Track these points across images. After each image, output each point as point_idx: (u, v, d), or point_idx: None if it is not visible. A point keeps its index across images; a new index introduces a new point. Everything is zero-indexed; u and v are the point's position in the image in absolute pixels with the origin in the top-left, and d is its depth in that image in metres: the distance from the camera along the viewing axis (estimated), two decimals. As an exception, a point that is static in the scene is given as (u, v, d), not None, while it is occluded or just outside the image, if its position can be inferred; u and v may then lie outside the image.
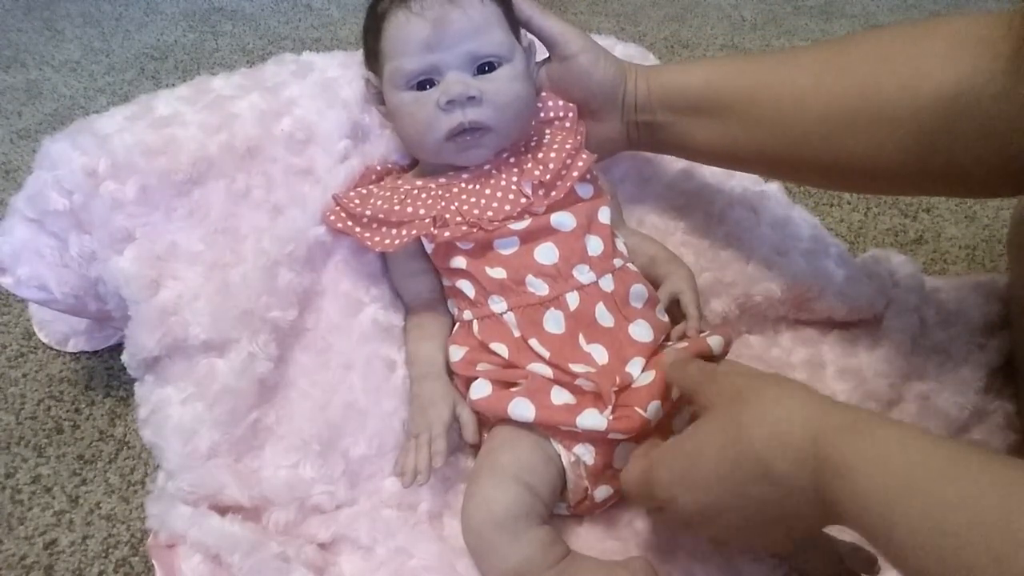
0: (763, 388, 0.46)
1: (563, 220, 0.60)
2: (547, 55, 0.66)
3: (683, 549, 0.55)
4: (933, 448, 0.37)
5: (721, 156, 0.66)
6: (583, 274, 0.59)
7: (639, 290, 0.61)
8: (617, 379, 0.55)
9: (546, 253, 0.59)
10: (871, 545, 0.39)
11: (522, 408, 0.54)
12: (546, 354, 0.56)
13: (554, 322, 0.58)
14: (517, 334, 0.58)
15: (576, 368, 0.56)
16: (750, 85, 0.61)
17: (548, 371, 0.56)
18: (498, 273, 0.59)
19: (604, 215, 0.62)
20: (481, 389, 0.57)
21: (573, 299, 0.58)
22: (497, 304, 0.59)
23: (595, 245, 0.61)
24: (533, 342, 0.57)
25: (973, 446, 0.37)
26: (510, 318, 0.58)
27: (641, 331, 0.59)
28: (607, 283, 0.60)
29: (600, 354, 0.57)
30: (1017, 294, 0.66)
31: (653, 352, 0.58)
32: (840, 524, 0.41)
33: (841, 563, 0.51)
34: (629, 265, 0.63)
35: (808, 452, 0.40)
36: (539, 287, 0.58)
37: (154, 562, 0.52)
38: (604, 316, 0.58)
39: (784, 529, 0.45)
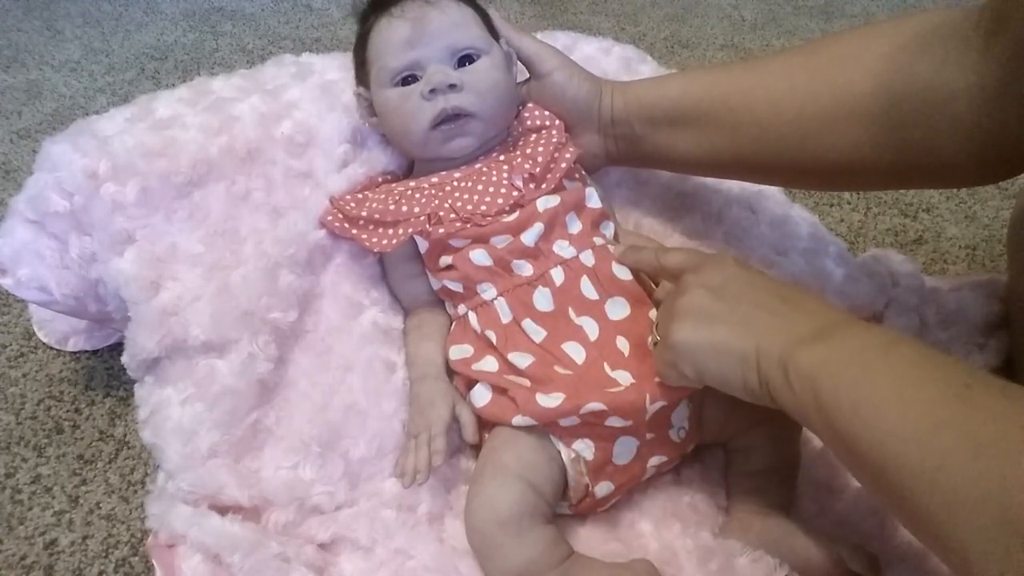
0: None
1: (548, 201, 0.61)
2: (527, 75, 0.68)
3: (684, 551, 0.55)
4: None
5: (702, 165, 0.67)
6: (564, 249, 0.61)
7: (621, 268, 0.61)
8: (605, 365, 0.56)
9: (531, 232, 0.60)
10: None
11: (524, 419, 0.54)
12: (539, 336, 0.57)
13: (543, 300, 0.59)
14: (507, 320, 0.58)
15: (566, 348, 0.56)
16: (724, 92, 0.62)
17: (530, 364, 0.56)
18: (483, 259, 0.59)
19: (592, 199, 0.64)
20: (482, 396, 0.57)
21: (558, 275, 0.59)
22: (487, 291, 0.60)
23: (575, 224, 0.62)
24: (527, 323, 0.58)
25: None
26: (500, 304, 0.59)
27: (620, 306, 0.59)
28: (588, 258, 0.61)
29: (591, 328, 0.58)
30: (1017, 294, 0.66)
31: (640, 327, 0.58)
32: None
33: (841, 564, 0.51)
34: (611, 246, 0.63)
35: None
36: (524, 268, 0.60)
37: (154, 562, 0.52)
38: (589, 290, 0.59)
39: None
